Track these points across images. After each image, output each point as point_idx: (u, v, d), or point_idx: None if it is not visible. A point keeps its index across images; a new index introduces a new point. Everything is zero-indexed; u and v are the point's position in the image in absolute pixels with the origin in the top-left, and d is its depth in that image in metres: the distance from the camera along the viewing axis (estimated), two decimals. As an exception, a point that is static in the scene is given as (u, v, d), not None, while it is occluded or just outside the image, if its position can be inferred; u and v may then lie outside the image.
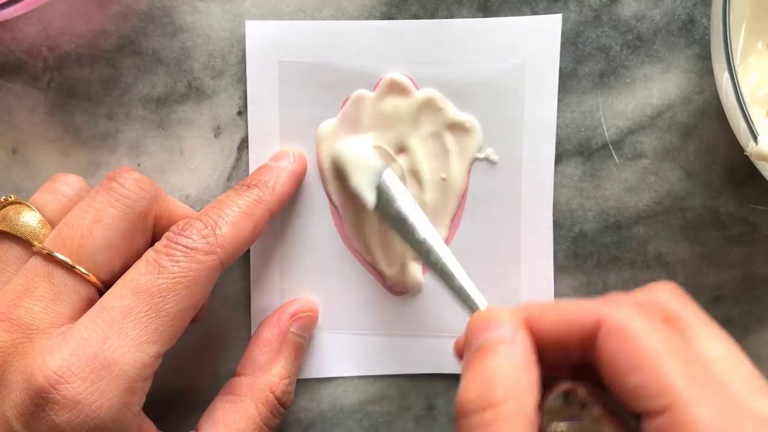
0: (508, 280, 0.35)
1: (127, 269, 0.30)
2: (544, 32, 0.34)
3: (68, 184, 0.32)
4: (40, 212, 0.31)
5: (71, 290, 0.29)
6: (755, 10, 0.32)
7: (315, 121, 0.35)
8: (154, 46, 0.35)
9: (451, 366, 0.36)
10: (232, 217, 0.30)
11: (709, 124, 0.35)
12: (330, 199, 0.35)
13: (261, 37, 0.34)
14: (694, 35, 0.35)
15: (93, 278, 0.29)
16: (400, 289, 0.36)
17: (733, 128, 0.31)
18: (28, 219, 0.30)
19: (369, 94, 0.34)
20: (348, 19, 0.34)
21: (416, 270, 0.35)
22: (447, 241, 0.35)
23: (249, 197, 0.31)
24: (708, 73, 0.35)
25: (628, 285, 0.36)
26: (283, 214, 0.35)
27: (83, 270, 0.29)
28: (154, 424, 0.30)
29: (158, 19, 0.35)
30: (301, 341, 0.34)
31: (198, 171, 0.35)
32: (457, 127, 0.35)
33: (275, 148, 0.35)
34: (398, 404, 0.36)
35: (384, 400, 0.36)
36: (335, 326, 0.36)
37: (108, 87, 0.35)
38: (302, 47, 0.34)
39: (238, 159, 0.35)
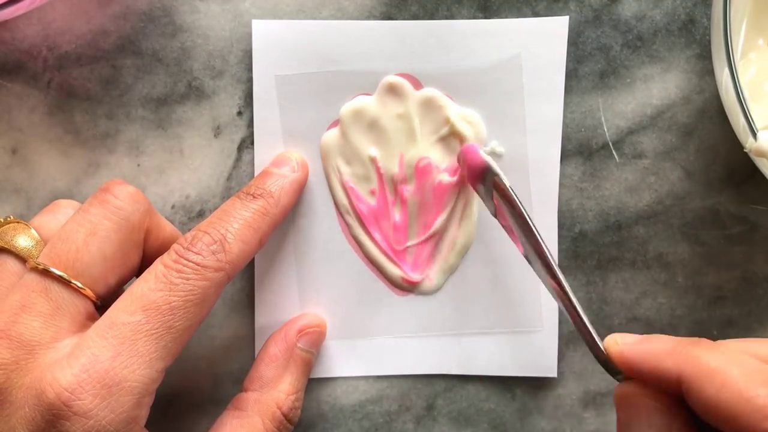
0: (525, 280, 0.35)
1: (122, 282, 0.30)
2: (551, 35, 0.34)
3: (69, 206, 0.32)
4: (38, 232, 0.30)
5: (69, 304, 0.29)
6: (756, 6, 0.32)
7: (319, 120, 0.35)
8: (154, 46, 0.35)
9: (455, 367, 0.36)
10: (240, 232, 0.30)
11: (709, 124, 0.35)
12: (339, 209, 0.35)
13: (267, 35, 0.34)
14: (694, 35, 0.35)
15: (89, 292, 0.29)
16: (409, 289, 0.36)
17: (732, 125, 0.31)
18: (26, 237, 0.30)
19: (368, 101, 0.35)
20: (348, 18, 0.34)
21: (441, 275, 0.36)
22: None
23: (255, 209, 0.31)
24: (708, 73, 0.35)
25: (628, 285, 0.36)
26: (288, 216, 0.35)
27: (80, 284, 0.29)
28: (151, 426, 0.30)
29: (158, 19, 0.35)
30: (309, 357, 0.34)
31: (198, 171, 0.35)
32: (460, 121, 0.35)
33: (279, 146, 0.35)
34: (398, 404, 0.36)
35: (384, 400, 0.36)
36: (340, 328, 0.36)
37: (108, 87, 0.35)
38: (306, 47, 0.34)
39: (238, 159, 0.35)
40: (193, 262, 0.29)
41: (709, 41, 0.34)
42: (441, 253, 0.35)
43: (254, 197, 0.32)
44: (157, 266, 0.29)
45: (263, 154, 0.35)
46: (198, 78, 0.35)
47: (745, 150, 0.30)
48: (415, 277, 0.35)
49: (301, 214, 0.35)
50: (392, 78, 0.34)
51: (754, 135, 0.29)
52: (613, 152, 0.35)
